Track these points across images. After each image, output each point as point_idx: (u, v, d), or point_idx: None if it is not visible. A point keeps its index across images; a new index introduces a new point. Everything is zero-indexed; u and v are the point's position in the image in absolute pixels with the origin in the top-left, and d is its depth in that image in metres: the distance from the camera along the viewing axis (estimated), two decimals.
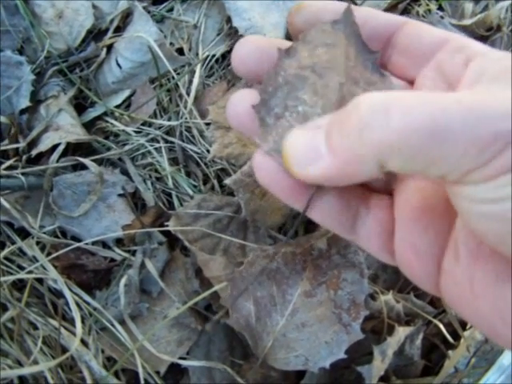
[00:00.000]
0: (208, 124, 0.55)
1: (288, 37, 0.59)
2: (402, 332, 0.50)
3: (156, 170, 0.56)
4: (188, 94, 0.56)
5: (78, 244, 0.52)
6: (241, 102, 0.26)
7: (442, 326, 0.53)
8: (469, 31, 0.56)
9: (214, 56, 0.59)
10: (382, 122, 0.17)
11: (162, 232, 0.53)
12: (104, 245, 0.55)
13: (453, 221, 0.22)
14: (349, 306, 0.44)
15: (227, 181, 0.48)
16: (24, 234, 0.54)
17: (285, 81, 0.26)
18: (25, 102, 0.56)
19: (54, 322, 0.49)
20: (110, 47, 0.59)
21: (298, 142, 0.22)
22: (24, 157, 0.55)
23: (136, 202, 0.57)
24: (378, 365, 0.49)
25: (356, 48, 0.26)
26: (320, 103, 0.26)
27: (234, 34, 0.59)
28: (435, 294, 0.23)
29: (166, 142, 0.56)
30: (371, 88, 0.26)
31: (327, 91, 0.26)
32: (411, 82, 0.26)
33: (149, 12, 0.60)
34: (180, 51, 0.59)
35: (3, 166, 0.53)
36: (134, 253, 0.54)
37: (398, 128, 0.17)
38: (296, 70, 0.26)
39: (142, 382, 0.48)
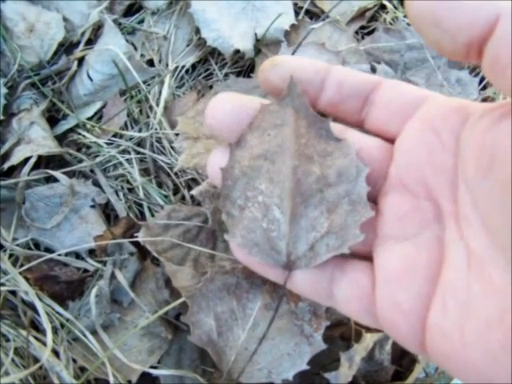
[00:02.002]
0: (178, 134, 0.55)
1: (256, 48, 0.59)
2: (369, 338, 0.51)
3: (127, 181, 0.57)
4: (158, 105, 0.57)
5: (50, 255, 0.53)
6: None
7: None
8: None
9: (183, 67, 0.59)
10: None
11: (133, 243, 0.54)
12: (77, 256, 0.56)
13: (436, 277, 0.22)
14: (310, 317, 0.44)
15: (193, 191, 0.49)
16: None
17: (241, 172, 0.27)
18: None
19: (26, 334, 0.50)
20: (81, 60, 0.59)
21: None
22: None
23: (109, 213, 0.58)
24: (345, 371, 0.49)
25: (306, 120, 0.26)
26: (276, 192, 0.26)
27: (203, 45, 0.59)
28: (420, 352, 0.23)
29: (137, 153, 0.57)
30: (328, 160, 0.26)
31: (281, 177, 0.26)
32: (389, 139, 0.26)
33: (120, 24, 0.61)
34: (151, 62, 0.60)
35: None
36: (106, 263, 0.55)
37: None
38: (249, 161, 0.27)
39: None
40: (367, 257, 0.26)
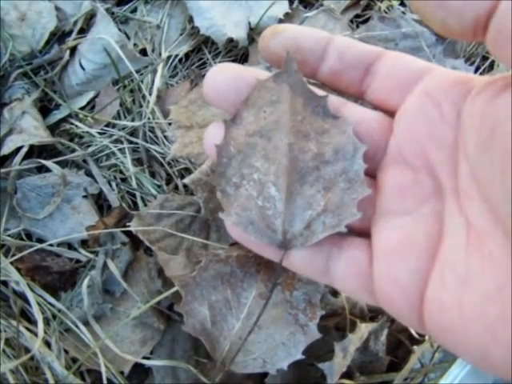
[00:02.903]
0: (171, 124, 0.55)
1: (250, 37, 0.59)
2: (364, 328, 0.50)
3: (120, 171, 0.56)
4: (150, 95, 0.56)
5: (40, 245, 0.52)
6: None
7: None
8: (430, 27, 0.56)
9: (177, 56, 0.59)
10: None
11: (126, 233, 0.54)
12: (69, 246, 0.56)
13: (435, 252, 0.22)
14: (305, 306, 0.44)
15: (186, 180, 0.48)
16: None
17: (236, 150, 0.26)
18: None
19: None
20: (73, 49, 0.59)
21: None
22: None
23: (101, 203, 0.57)
24: (340, 361, 0.49)
25: (303, 97, 0.26)
26: (272, 169, 0.26)
27: (196, 34, 0.59)
28: (418, 328, 0.23)
29: (130, 142, 0.56)
30: (324, 137, 0.26)
31: (277, 155, 0.26)
32: (390, 112, 0.26)
33: (113, 13, 0.60)
34: (144, 52, 0.59)
35: None
36: (98, 254, 0.54)
37: None
38: (244, 138, 0.26)
39: (105, 381, 0.48)
40: (364, 232, 0.26)
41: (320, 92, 0.26)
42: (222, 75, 0.26)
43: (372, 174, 0.26)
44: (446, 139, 0.23)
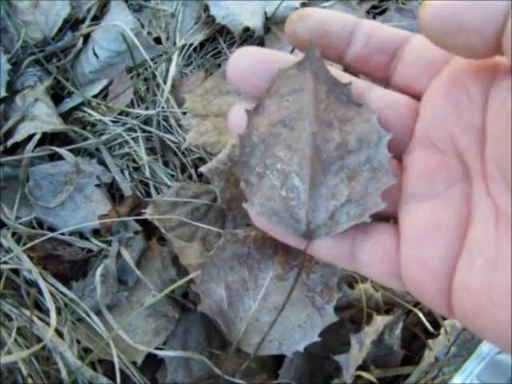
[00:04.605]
0: (185, 113, 0.54)
1: (266, 27, 0.58)
2: (380, 321, 0.50)
3: (133, 160, 0.56)
4: (165, 83, 0.56)
5: (52, 234, 0.51)
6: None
7: (421, 315, 0.53)
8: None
9: (191, 45, 0.58)
10: None
11: (139, 222, 0.53)
12: (81, 236, 0.55)
13: (464, 234, 0.22)
14: (322, 289, 0.43)
15: (202, 168, 0.48)
16: (0, 225, 0.53)
17: (259, 139, 0.26)
18: (1, 92, 0.56)
19: (29, 313, 0.49)
20: (87, 36, 0.58)
21: None
22: None
23: (114, 192, 0.56)
24: (356, 354, 0.48)
25: (327, 84, 0.26)
26: (295, 159, 0.25)
27: (211, 23, 0.58)
28: (444, 312, 0.23)
29: (144, 131, 0.56)
30: (348, 126, 0.25)
31: (301, 144, 0.25)
32: (415, 96, 0.26)
33: (126, 1, 0.59)
34: (158, 40, 0.59)
35: None
36: (110, 243, 0.53)
37: None
38: (267, 127, 0.26)
39: (118, 372, 0.48)
40: (390, 216, 0.26)
41: (343, 78, 0.26)
42: (245, 59, 0.25)
43: (398, 157, 0.26)
44: (474, 123, 0.22)
